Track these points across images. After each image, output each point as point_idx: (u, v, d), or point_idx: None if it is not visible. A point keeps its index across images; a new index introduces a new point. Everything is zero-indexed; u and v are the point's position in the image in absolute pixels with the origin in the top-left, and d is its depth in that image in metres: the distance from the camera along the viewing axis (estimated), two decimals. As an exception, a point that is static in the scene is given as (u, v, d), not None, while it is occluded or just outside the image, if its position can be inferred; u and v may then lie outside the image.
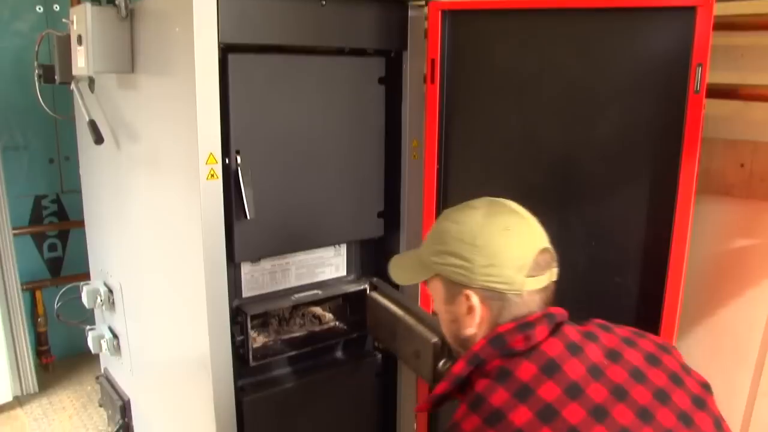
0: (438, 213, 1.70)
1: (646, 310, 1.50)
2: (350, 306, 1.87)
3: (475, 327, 1.06)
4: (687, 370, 1.05)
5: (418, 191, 1.76)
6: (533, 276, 1.03)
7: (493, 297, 1.04)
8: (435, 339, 1.45)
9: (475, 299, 1.04)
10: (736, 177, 1.71)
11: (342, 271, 1.83)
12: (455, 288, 1.07)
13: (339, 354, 1.85)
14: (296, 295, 1.72)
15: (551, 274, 1.06)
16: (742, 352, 1.77)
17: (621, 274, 1.54)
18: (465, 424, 0.94)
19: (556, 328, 1.02)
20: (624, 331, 1.07)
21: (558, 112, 1.55)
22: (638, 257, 1.51)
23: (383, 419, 1.99)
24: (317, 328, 1.85)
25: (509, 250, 1.03)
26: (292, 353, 1.76)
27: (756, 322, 1.73)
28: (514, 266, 1.02)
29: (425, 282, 1.15)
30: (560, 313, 1.06)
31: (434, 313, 1.19)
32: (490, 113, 1.66)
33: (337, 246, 1.80)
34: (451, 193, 1.70)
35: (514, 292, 1.03)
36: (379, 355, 1.91)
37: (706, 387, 1.04)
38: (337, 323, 1.88)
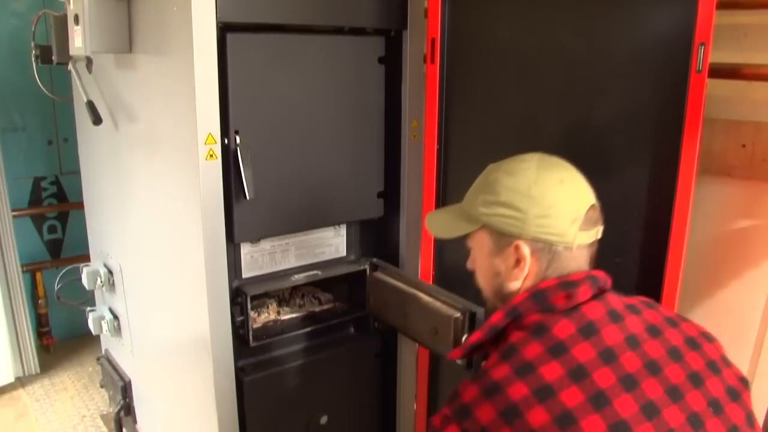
0: (438, 193, 1.70)
1: (647, 291, 1.50)
2: (350, 286, 1.86)
3: (520, 281, 1.05)
4: (727, 362, 1.04)
5: (418, 171, 1.76)
6: (584, 230, 1.03)
7: (544, 249, 1.03)
8: (457, 314, 1.45)
9: (525, 250, 1.03)
10: (737, 158, 1.70)
11: (342, 252, 1.83)
12: (504, 239, 1.05)
13: (339, 334, 1.86)
14: (296, 276, 1.72)
15: (597, 231, 1.06)
16: (741, 332, 1.77)
17: (621, 255, 1.53)
18: (494, 372, 0.93)
19: (599, 293, 1.01)
20: (669, 312, 1.06)
21: (558, 92, 1.54)
22: (639, 238, 1.51)
23: (383, 399, 2.00)
24: (317, 309, 1.85)
25: (563, 202, 1.02)
26: (292, 333, 1.77)
27: (756, 303, 1.73)
28: (568, 218, 1.01)
29: (467, 235, 1.12)
30: (603, 277, 1.04)
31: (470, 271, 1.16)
32: (490, 93, 1.65)
33: (337, 226, 1.79)
34: (452, 173, 1.69)
35: (564, 244, 1.02)
36: (379, 335, 1.92)
37: (743, 381, 1.02)
38: (337, 303, 1.88)
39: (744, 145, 1.68)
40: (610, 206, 1.52)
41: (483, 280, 1.13)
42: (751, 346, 1.78)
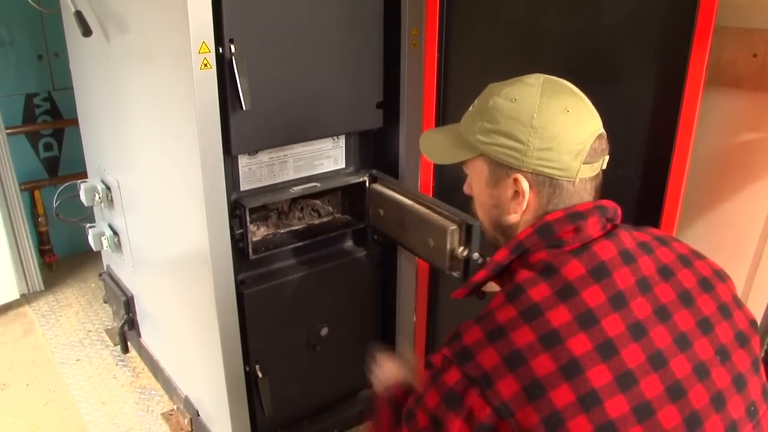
0: (438, 104, 1.67)
1: (648, 203, 1.49)
2: (349, 199, 1.85)
3: (519, 213, 1.00)
4: (738, 303, 1.00)
5: (418, 81, 1.71)
6: (589, 163, 0.96)
7: (544, 183, 0.97)
8: (452, 227, 1.45)
9: (524, 184, 0.97)
10: (747, 68, 1.65)
11: (341, 164, 1.81)
12: (502, 170, 0.99)
13: (338, 246, 1.86)
14: (294, 188, 1.70)
15: (603, 162, 1.00)
16: (740, 245, 1.78)
17: (624, 166, 1.51)
18: (499, 314, 0.89)
19: (611, 230, 0.97)
20: (683, 248, 1.01)
21: (564, -2, 1.48)
22: (642, 150, 1.49)
23: (383, 311, 2.03)
24: (316, 221, 1.85)
25: (568, 133, 0.95)
26: (292, 246, 1.77)
27: (757, 216, 1.73)
28: (572, 151, 0.95)
29: (463, 161, 1.06)
30: (612, 207, 1.00)
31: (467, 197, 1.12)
32: (493, -1, 1.59)
33: (335, 138, 1.76)
34: (452, 82, 1.65)
35: (567, 178, 0.96)
36: (379, 248, 1.93)
37: (753, 324, 1.00)
38: (336, 216, 1.88)
39: (755, 55, 1.63)
40: (613, 116, 1.50)
41: (480, 210, 1.08)
42: (749, 260, 1.79)
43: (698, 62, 1.32)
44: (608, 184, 1.53)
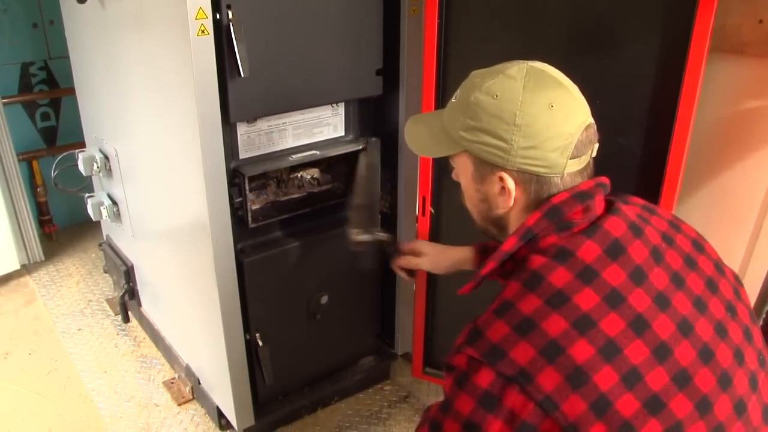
0: (438, 71, 1.64)
1: (649, 171, 1.48)
2: (349, 167, 1.84)
3: (507, 208, 0.99)
4: (722, 261, 1.03)
5: (418, 48, 1.68)
6: (576, 157, 0.94)
7: (531, 180, 0.95)
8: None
9: (510, 183, 0.96)
10: (752, 34, 1.63)
11: (340, 131, 1.79)
12: (486, 168, 0.97)
13: (338, 214, 1.85)
14: (294, 156, 1.69)
15: (592, 151, 0.98)
16: (741, 215, 1.78)
17: (625, 134, 1.50)
18: (523, 305, 0.86)
19: (612, 206, 0.96)
20: (667, 214, 1.03)
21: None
22: (644, 118, 1.47)
23: (383, 279, 2.03)
24: (316, 190, 1.84)
25: (552, 130, 0.92)
26: (291, 214, 1.77)
27: (759, 185, 1.72)
28: (558, 148, 0.92)
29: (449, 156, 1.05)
30: (608, 182, 0.99)
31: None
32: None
33: (334, 105, 1.74)
34: (453, 49, 1.62)
35: (554, 174, 0.94)
36: (379, 216, 1.92)
37: (737, 278, 1.03)
38: (336, 184, 1.86)
39: (761, 21, 1.61)
40: (615, 83, 1.48)
41: (469, 202, 1.07)
42: (750, 229, 1.78)
43: (702, 28, 1.30)
44: (609, 153, 1.52)
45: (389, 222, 1.94)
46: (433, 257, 1.51)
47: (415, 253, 1.53)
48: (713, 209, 1.82)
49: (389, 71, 1.73)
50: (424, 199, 1.77)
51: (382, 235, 1.66)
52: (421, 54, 1.64)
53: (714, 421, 0.84)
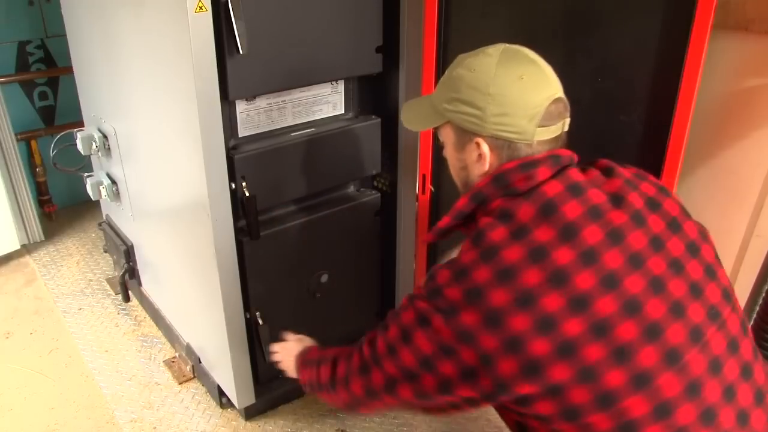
0: (439, 49, 1.63)
1: (650, 149, 1.47)
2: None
3: (483, 173, 1.09)
4: (686, 213, 1.08)
5: (418, 25, 1.67)
6: (545, 126, 1.04)
7: (503, 146, 1.06)
8: None
9: (485, 147, 1.07)
10: (757, 11, 1.61)
11: (340, 109, 1.78)
12: (466, 136, 1.09)
13: (338, 193, 1.85)
14: (293, 134, 1.68)
15: (563, 124, 1.08)
16: (742, 193, 1.77)
17: (626, 112, 1.49)
18: (464, 257, 1.00)
19: (560, 171, 1.04)
20: (627, 171, 1.09)
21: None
22: (645, 95, 1.46)
23: (383, 258, 2.03)
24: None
25: (522, 99, 1.03)
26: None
27: (760, 164, 1.71)
28: (526, 115, 1.03)
29: (438, 128, 1.16)
30: (567, 154, 1.07)
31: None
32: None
33: (334, 83, 1.73)
34: (453, 27, 1.61)
35: (524, 141, 1.05)
36: (379, 194, 1.92)
37: (702, 233, 1.07)
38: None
39: (765, -3, 1.59)
40: (617, 59, 1.47)
41: (453, 172, 1.18)
42: (750, 207, 1.78)
43: (705, 4, 1.29)
44: (610, 129, 1.52)
45: (389, 200, 1.94)
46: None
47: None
48: (714, 187, 1.81)
49: (389, 48, 1.72)
50: (424, 177, 1.77)
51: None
52: (422, 31, 1.63)
53: (666, 344, 0.93)
